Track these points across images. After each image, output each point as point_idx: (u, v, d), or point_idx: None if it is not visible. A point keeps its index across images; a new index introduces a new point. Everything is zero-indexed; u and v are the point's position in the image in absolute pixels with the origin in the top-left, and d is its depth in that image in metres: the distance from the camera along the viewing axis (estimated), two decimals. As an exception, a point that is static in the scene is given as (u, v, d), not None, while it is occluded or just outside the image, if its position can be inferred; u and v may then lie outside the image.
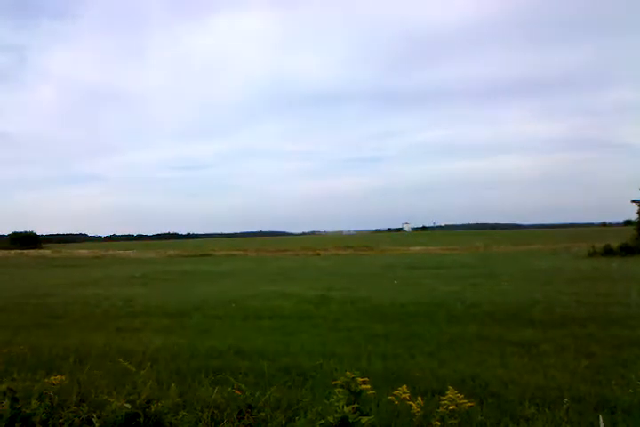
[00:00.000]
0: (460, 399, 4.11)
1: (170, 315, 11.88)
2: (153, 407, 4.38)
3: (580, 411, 4.89)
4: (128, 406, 4.38)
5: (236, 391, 4.77)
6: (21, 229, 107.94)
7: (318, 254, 52.28)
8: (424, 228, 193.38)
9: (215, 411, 4.69)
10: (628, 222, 48.41)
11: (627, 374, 6.05)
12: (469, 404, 4.15)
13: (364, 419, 3.89)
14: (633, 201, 34.07)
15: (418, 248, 57.53)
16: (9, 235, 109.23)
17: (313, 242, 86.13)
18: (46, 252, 72.74)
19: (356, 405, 4.00)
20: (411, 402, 4.25)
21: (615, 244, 32.67)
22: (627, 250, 31.77)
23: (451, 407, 4.05)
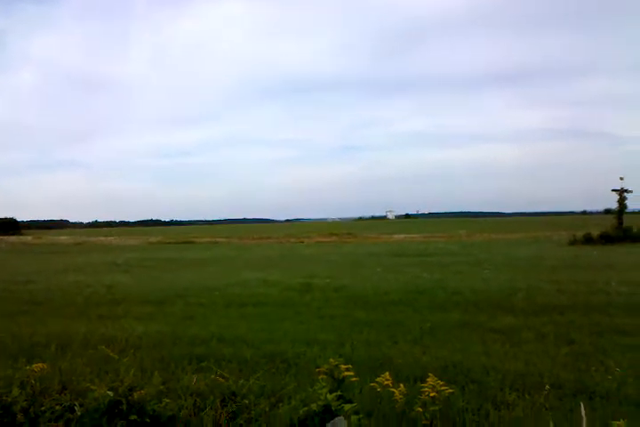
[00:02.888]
0: (441, 386, 4.15)
1: (152, 302, 11.83)
2: (136, 395, 4.36)
3: (559, 397, 4.97)
4: (110, 393, 4.36)
5: (220, 379, 4.77)
6: (1, 216, 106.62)
7: (302, 242, 52.32)
8: (407, 215, 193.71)
9: (198, 399, 4.69)
10: (608, 211, 48.90)
11: (606, 361, 6.16)
12: (450, 390, 4.20)
13: (347, 406, 3.92)
14: (613, 190, 34.43)
15: (401, 236, 57.78)
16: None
17: (297, 229, 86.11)
18: (27, 238, 71.91)
19: (339, 392, 4.02)
20: (393, 389, 4.29)
21: (595, 232, 33.08)
22: (607, 238, 32.18)
23: (432, 394, 4.09)
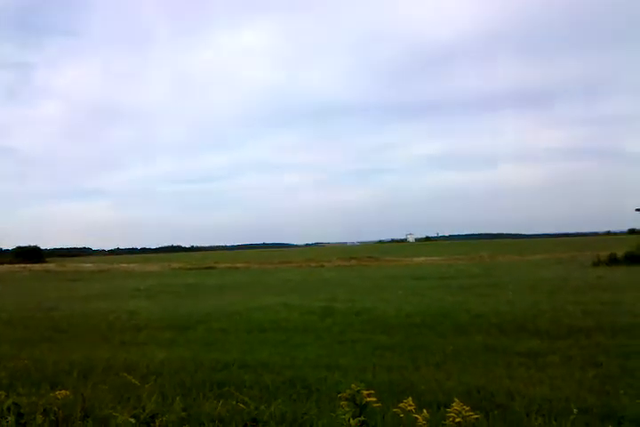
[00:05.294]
0: (467, 412, 4.08)
1: (174, 328, 11.85)
2: (157, 422, 4.36)
3: (587, 422, 4.85)
4: (132, 420, 4.36)
5: (241, 405, 4.75)
6: (25, 244, 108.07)
7: (322, 266, 52.14)
8: (428, 238, 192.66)
9: (220, 425, 4.67)
10: (632, 231, 48.28)
11: (634, 384, 6.02)
12: (475, 416, 4.12)
13: (370, 432, 3.86)
14: (637, 209, 33.97)
15: (422, 259, 57.32)
16: (13, 249, 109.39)
17: (317, 253, 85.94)
18: (50, 266, 72.63)
19: (362, 418, 3.97)
20: (416, 415, 4.22)
21: (620, 253, 32.52)
22: (632, 259, 31.57)
23: (457, 420, 4.02)
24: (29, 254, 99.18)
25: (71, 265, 72.08)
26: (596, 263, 31.99)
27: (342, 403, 4.21)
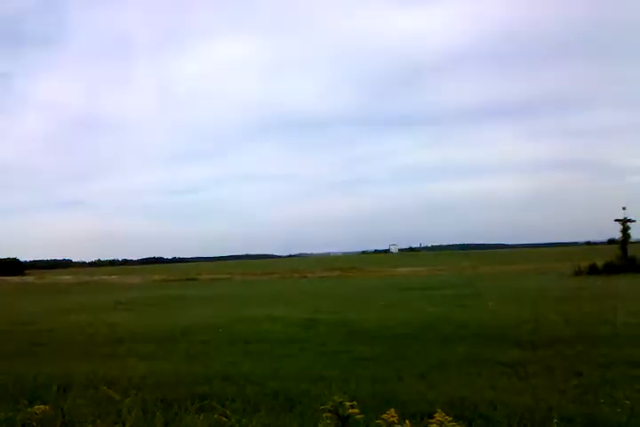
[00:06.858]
0: (449, 422, 4.08)
1: (155, 341, 11.73)
2: (138, 436, 4.30)
3: (569, 431, 4.88)
4: (112, 435, 4.30)
5: (223, 418, 4.70)
6: (4, 256, 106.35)
7: (305, 277, 52.07)
8: (411, 249, 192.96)
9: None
10: (611, 241, 48.75)
11: (614, 393, 6.06)
12: (458, 426, 4.12)
13: (353, 444, 3.84)
14: (616, 220, 34.42)
15: (405, 269, 57.48)
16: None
17: (300, 264, 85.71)
18: (30, 278, 71.69)
19: (344, 430, 3.95)
20: (399, 426, 4.21)
21: (600, 263, 32.88)
22: (611, 269, 31.97)
23: (439, 430, 4.01)
24: (8, 267, 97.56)
25: (51, 278, 71.23)
26: (577, 273, 32.34)
27: (325, 415, 4.19)
